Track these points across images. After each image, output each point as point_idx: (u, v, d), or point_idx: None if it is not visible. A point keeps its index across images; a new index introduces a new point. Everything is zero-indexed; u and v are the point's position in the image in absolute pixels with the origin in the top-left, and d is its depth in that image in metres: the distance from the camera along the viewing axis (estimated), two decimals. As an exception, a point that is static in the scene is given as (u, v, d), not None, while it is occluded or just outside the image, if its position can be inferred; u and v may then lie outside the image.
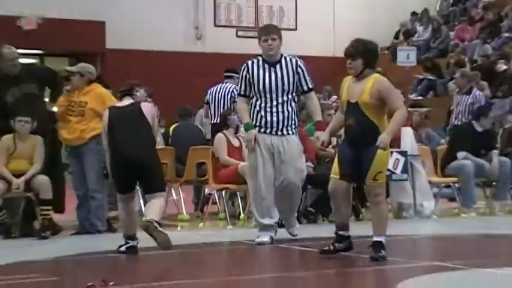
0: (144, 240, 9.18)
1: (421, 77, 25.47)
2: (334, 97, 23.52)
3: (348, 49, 8.51)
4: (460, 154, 14.10)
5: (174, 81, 22.51)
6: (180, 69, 23.96)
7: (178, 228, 12.64)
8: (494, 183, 14.39)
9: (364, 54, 8.45)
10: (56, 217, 11.33)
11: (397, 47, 25.51)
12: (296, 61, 9.94)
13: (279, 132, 9.77)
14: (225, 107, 14.55)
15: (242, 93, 10.03)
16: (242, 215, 12.86)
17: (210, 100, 15.06)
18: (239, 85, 10.13)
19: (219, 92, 14.96)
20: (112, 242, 9.55)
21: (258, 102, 9.86)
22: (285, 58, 9.96)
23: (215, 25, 27.94)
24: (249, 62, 9.95)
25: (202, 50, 26.72)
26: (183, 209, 13.61)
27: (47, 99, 12.03)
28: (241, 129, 10.56)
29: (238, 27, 28.20)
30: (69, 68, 11.83)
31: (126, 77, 8.11)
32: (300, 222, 11.64)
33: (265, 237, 9.90)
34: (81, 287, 7.29)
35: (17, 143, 11.09)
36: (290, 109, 9.84)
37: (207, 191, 13.56)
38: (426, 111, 19.59)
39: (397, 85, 23.28)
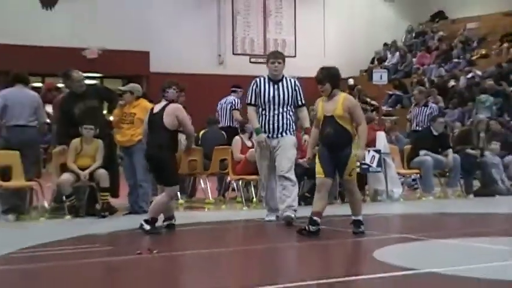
0: (179, 218, 9.18)
1: (390, 92, 25.43)
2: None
3: (317, 76, 8.41)
4: (421, 152, 14.12)
5: (202, 96, 22.44)
6: (206, 87, 23.87)
7: (206, 209, 12.64)
8: (447, 174, 14.39)
9: (330, 78, 8.35)
10: (113, 201, 11.33)
11: (372, 69, 25.46)
12: (295, 81, 9.84)
13: (279, 135, 9.64)
14: (227, 114, 15.11)
15: (252, 102, 9.80)
16: (254, 199, 12.85)
17: (219, 108, 15.37)
18: (249, 96, 9.86)
19: (224, 102, 15.37)
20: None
21: (263, 112, 9.70)
22: (286, 78, 9.83)
23: (233, 53, 27.90)
24: (258, 79, 9.81)
25: (223, 72, 26.68)
26: (209, 194, 13.58)
27: (105, 111, 12.06)
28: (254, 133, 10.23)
29: (251, 55, 28.16)
30: (122, 88, 11.86)
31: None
32: (299, 204, 11.63)
33: (272, 217, 9.96)
34: (132, 254, 7.33)
35: (83, 145, 11.11)
36: (287, 117, 9.72)
37: (228, 179, 13.56)
38: (395, 119, 19.58)
39: (373, 98, 23.37)
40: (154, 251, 7.29)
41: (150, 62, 25.64)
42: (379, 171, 13.23)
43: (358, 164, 12.72)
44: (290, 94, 9.70)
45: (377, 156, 13.05)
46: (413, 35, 30.30)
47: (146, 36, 25.37)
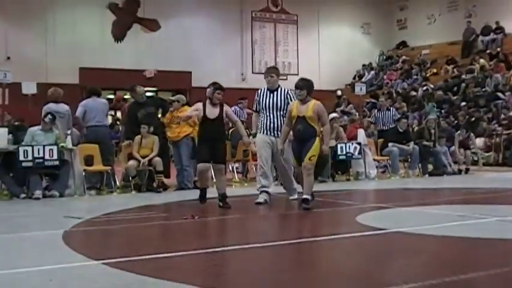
0: (214, 193, 9.24)
1: (368, 100, 25.33)
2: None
3: (298, 84, 8.10)
4: (390, 144, 14.10)
5: (230, 105, 22.64)
6: (233, 98, 23.86)
7: (233, 186, 12.69)
8: (409, 160, 14.35)
9: (307, 87, 8.06)
10: (166, 180, 11.39)
11: (354, 84, 25.36)
12: (287, 91, 8.84)
13: (277, 133, 8.68)
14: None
15: (255, 109, 9.03)
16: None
17: None
18: (254, 104, 9.02)
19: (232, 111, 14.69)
20: (195, 195, 9.61)
21: (263, 116, 8.86)
22: (281, 89, 8.86)
23: (252, 72, 27.87)
24: (259, 90, 9.02)
25: (245, 86, 26.66)
26: (235, 175, 13.61)
27: (159, 115, 12.11)
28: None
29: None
30: (171, 98, 11.92)
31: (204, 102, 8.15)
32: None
33: (261, 199, 8.80)
34: (180, 218, 7.38)
35: (143, 140, 11.17)
36: (281, 120, 8.72)
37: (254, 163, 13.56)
38: (371, 119, 19.49)
39: (355, 106, 23.22)
40: (196, 217, 7.32)
41: (192, 79, 25.70)
42: (359, 158, 13.25)
43: (352, 151, 12.85)
44: (283, 101, 8.77)
45: (358, 147, 13.08)
46: (384, 58, 30.16)
47: (189, 60, 25.43)
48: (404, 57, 28.95)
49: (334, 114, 14.71)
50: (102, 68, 23.94)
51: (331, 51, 29.25)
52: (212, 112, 8.40)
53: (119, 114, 12.72)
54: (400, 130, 14.29)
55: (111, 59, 24.33)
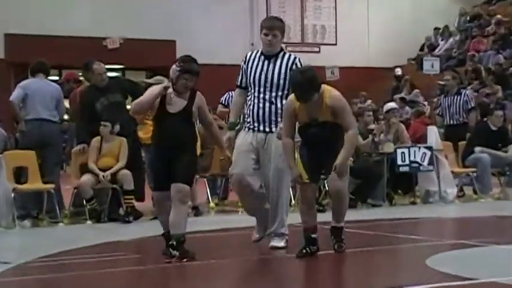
0: (210, 223, 9.21)
1: (443, 82, 25.26)
2: (369, 101, 23.48)
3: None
4: (477, 148, 14.04)
5: (233, 88, 22.60)
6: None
7: (239, 212, 12.66)
8: (507, 172, 14.29)
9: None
10: (137, 204, 11.40)
11: (422, 57, 25.33)
12: (294, 58, 8.08)
13: (267, 129, 7.90)
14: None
15: (238, 83, 8.22)
16: (293, 202, 12.84)
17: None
18: (239, 76, 8.23)
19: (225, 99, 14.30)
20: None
21: (250, 97, 8.04)
22: (284, 53, 8.11)
23: (268, 42, 27.88)
24: (249, 53, 8.24)
25: (257, 62, 26.74)
26: (209, 197, 13.56)
27: (128, 107, 12.11)
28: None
29: (287, 44, 28.11)
30: (147, 80, 11.93)
31: (195, 87, 7.92)
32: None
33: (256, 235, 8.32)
34: (159, 261, 7.36)
35: (103, 143, 11.20)
36: (280, 105, 7.89)
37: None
38: (437, 110, 19.47)
39: (423, 91, 23.26)
40: (184, 260, 7.32)
41: (177, 52, 25.72)
42: (430, 170, 13.18)
43: (419, 159, 12.86)
44: (283, 74, 7.94)
45: (428, 153, 13.03)
46: (467, 18, 30.05)
47: (172, 24, 25.48)
48: (499, 16, 28.86)
49: (391, 105, 14.66)
50: (42, 36, 24.04)
51: (386, 10, 29.24)
52: (175, 104, 7.65)
53: (66, 103, 12.64)
54: (493, 128, 14.21)
55: (55, 21, 24.41)
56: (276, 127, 7.86)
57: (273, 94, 7.93)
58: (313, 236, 7.56)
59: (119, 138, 11.22)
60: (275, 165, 7.83)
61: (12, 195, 10.72)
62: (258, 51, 8.15)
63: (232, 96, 10.89)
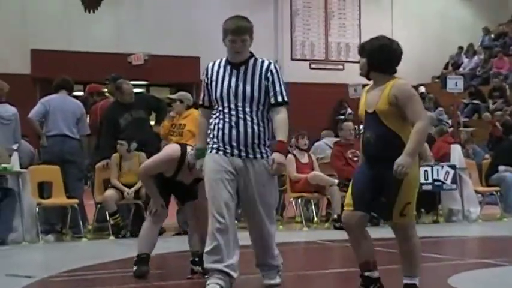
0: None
1: (466, 101, 25.22)
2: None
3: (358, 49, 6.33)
4: (501, 167, 14.01)
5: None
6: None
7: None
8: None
9: (370, 53, 6.14)
10: (161, 220, 11.42)
11: (446, 76, 25.28)
12: (269, 64, 6.68)
13: (242, 154, 6.44)
14: None
15: (201, 102, 6.78)
16: (316, 219, 12.85)
17: None
18: (201, 93, 6.82)
19: None
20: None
21: (217, 114, 6.55)
22: (255, 59, 6.70)
23: (291, 59, 27.96)
24: (210, 64, 6.77)
25: (281, 79, 26.79)
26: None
27: (152, 123, 12.16)
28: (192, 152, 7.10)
29: (311, 61, 28.19)
30: (171, 96, 11.91)
31: None
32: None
33: (215, 280, 6.43)
34: (181, 277, 7.39)
35: (122, 161, 11.25)
36: (258, 123, 6.49)
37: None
38: (472, 130, 19.43)
39: (447, 108, 23.16)
40: (206, 276, 7.33)
41: (201, 68, 25.82)
42: (454, 189, 13.15)
43: (443, 178, 12.80)
44: (259, 84, 6.53)
45: (452, 172, 13.01)
46: (492, 36, 29.99)
47: (196, 41, 25.54)
48: (523, 34, 28.85)
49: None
50: (67, 51, 24.22)
51: (410, 28, 29.21)
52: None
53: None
54: (517, 146, 14.21)
55: (80, 37, 24.60)
56: (255, 156, 6.45)
57: (247, 110, 6.46)
58: (367, 274, 6.05)
59: (137, 154, 11.25)
60: (261, 200, 6.51)
61: (37, 209, 10.79)
62: (221, 60, 6.70)
63: None
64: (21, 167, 10.90)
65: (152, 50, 25.11)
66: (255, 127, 6.46)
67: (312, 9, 28.50)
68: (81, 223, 11.21)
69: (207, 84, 6.64)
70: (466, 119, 24.06)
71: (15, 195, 10.59)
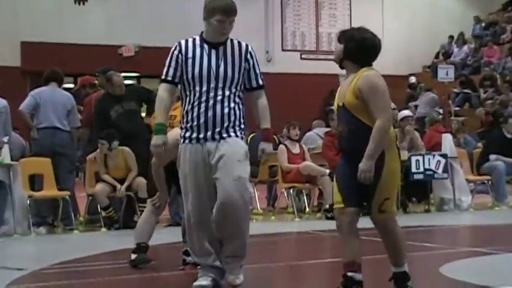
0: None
1: (457, 90, 25.24)
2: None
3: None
4: (492, 156, 14.02)
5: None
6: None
7: (253, 220, 12.68)
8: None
9: (345, 41, 5.81)
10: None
11: (437, 65, 25.32)
12: (247, 45, 6.39)
13: (216, 136, 6.11)
14: None
15: (167, 77, 6.29)
16: (307, 209, 12.86)
17: None
18: (164, 67, 6.36)
19: None
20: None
21: (191, 96, 6.19)
22: (232, 40, 6.38)
23: (282, 49, 27.94)
24: (183, 40, 6.46)
25: (271, 70, 26.72)
26: (257, 204, 13.61)
27: (143, 114, 12.14)
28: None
29: (302, 51, 28.18)
30: (161, 88, 11.87)
31: None
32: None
33: (204, 281, 6.25)
34: (173, 268, 7.39)
35: (107, 158, 11.22)
36: (234, 106, 6.20)
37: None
38: (463, 119, 19.46)
39: (438, 99, 23.18)
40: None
41: (191, 59, 25.81)
42: (445, 178, 13.17)
43: (434, 167, 12.82)
44: (238, 66, 6.26)
45: (443, 161, 13.02)
46: (483, 25, 30.00)
47: (186, 31, 25.29)
48: (515, 24, 28.85)
49: (406, 112, 14.65)
50: (57, 43, 24.17)
51: (401, 18, 29.25)
52: None
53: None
54: (508, 135, 14.21)
55: (71, 29, 24.55)
56: (229, 135, 6.14)
57: (226, 93, 6.16)
58: (350, 275, 5.73)
59: (121, 149, 11.19)
60: (236, 174, 6.05)
61: (28, 202, 10.78)
62: (194, 39, 6.42)
63: None
64: (12, 160, 10.89)
65: (144, 42, 25.05)
66: (231, 108, 6.17)
67: (302, 0, 28.48)
68: (72, 215, 11.19)
69: (181, 60, 6.25)
70: (457, 108, 24.08)
71: (6, 188, 10.59)
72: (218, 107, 6.11)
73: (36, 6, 24.49)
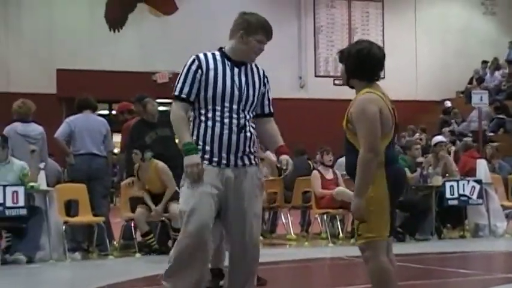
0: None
1: (493, 116, 25.13)
2: (417, 135, 23.40)
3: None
4: (528, 181, 13.96)
5: (283, 123, 22.66)
6: (287, 113, 24.02)
7: (287, 246, 12.67)
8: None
9: (347, 59, 5.61)
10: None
11: (471, 90, 25.25)
12: (263, 69, 5.98)
13: (239, 162, 5.65)
14: None
15: (183, 95, 5.67)
16: (341, 235, 12.83)
17: None
18: (179, 83, 5.72)
19: None
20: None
21: (212, 114, 5.63)
22: (252, 65, 5.90)
23: (315, 75, 27.99)
24: (201, 54, 5.76)
25: (305, 96, 26.81)
26: (291, 230, 13.60)
27: (177, 140, 12.16)
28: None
29: (335, 77, 28.20)
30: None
31: None
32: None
33: None
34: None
35: (139, 171, 11.19)
36: (253, 131, 5.74)
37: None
38: (497, 145, 19.36)
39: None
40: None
41: (225, 85, 25.94)
42: (480, 204, 13.11)
43: (468, 193, 12.78)
44: (258, 89, 5.83)
45: (477, 186, 12.96)
46: (518, 51, 29.86)
47: (220, 58, 25.60)
48: (548, 49, 28.70)
49: (439, 138, 14.62)
50: (92, 71, 24.40)
51: (434, 43, 29.20)
52: None
53: (117, 136, 12.69)
54: (543, 161, 14.15)
55: (105, 56, 24.78)
56: (251, 162, 5.71)
57: (247, 116, 5.69)
58: None
59: (153, 161, 11.09)
60: (253, 211, 5.68)
61: (63, 228, 10.86)
62: (214, 53, 5.81)
63: None
64: (48, 186, 10.99)
65: (176, 68, 25.14)
66: (252, 134, 5.72)
67: (335, 26, 28.55)
68: (107, 241, 11.25)
69: (200, 75, 5.62)
70: (492, 134, 23.97)
71: (43, 214, 10.65)
72: (242, 130, 5.61)
73: (71, 34, 24.76)
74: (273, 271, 9.55)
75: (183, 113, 5.69)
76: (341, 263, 10.43)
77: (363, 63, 5.39)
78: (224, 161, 5.58)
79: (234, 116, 5.59)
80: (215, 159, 5.57)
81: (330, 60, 28.23)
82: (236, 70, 5.70)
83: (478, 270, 9.35)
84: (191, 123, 5.72)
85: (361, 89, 5.37)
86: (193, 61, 5.67)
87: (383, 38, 28.88)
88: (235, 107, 5.60)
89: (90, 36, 25.01)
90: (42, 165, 11.06)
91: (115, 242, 11.80)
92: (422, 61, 28.85)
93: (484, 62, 29.41)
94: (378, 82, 5.51)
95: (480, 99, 16.64)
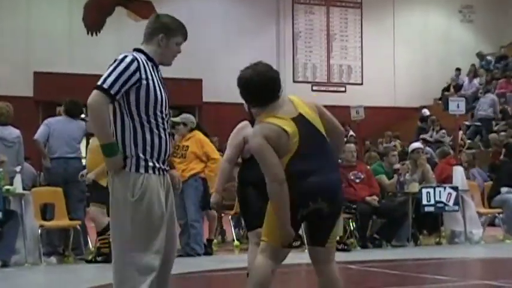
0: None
1: (468, 123, 25.24)
2: (393, 142, 23.48)
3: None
4: (503, 189, 14.01)
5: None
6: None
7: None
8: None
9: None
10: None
11: (448, 98, 25.38)
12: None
13: (167, 167, 5.42)
14: None
15: (111, 90, 5.39)
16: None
17: None
18: (110, 76, 5.49)
19: None
20: (208, 262, 9.59)
21: (149, 122, 5.29)
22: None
23: (293, 81, 28.02)
24: (138, 57, 5.42)
25: (283, 102, 26.85)
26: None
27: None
28: None
29: (313, 83, 28.26)
30: (174, 119, 11.92)
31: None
32: (367, 247, 11.63)
33: None
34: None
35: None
36: None
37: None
38: (473, 152, 19.47)
39: (449, 130, 23.20)
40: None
41: (203, 90, 25.90)
42: (456, 211, 13.16)
43: (445, 199, 12.84)
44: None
45: (454, 193, 13.03)
46: (494, 59, 30.05)
47: (198, 63, 25.59)
48: (528, 57, 28.87)
49: (416, 144, 14.67)
50: (69, 74, 24.29)
51: (412, 50, 29.31)
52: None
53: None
54: (519, 168, 14.23)
55: (83, 60, 24.67)
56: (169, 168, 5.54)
57: (167, 120, 5.45)
58: None
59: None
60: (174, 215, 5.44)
61: (39, 231, 10.81)
62: (143, 58, 5.46)
63: None
64: (23, 189, 10.94)
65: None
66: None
67: (314, 32, 28.59)
68: (83, 245, 11.21)
69: (136, 79, 5.28)
70: (469, 141, 24.06)
71: (18, 217, 10.60)
72: (168, 137, 5.37)
73: (48, 36, 24.64)
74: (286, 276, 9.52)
75: (106, 107, 5.37)
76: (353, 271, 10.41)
77: (245, 93, 5.53)
78: (163, 166, 5.32)
79: (166, 124, 5.36)
80: (158, 166, 5.27)
81: (308, 66, 28.27)
82: (158, 75, 5.48)
83: (454, 276, 9.38)
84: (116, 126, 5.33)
85: (259, 115, 5.46)
86: (132, 61, 5.34)
87: (361, 44, 29.00)
88: (164, 114, 5.35)
89: (68, 39, 24.92)
90: (18, 168, 11.00)
91: (91, 246, 11.76)
92: (400, 68, 28.96)
93: (457, 70, 29.54)
94: (290, 97, 5.79)
95: (457, 106, 16.69)
